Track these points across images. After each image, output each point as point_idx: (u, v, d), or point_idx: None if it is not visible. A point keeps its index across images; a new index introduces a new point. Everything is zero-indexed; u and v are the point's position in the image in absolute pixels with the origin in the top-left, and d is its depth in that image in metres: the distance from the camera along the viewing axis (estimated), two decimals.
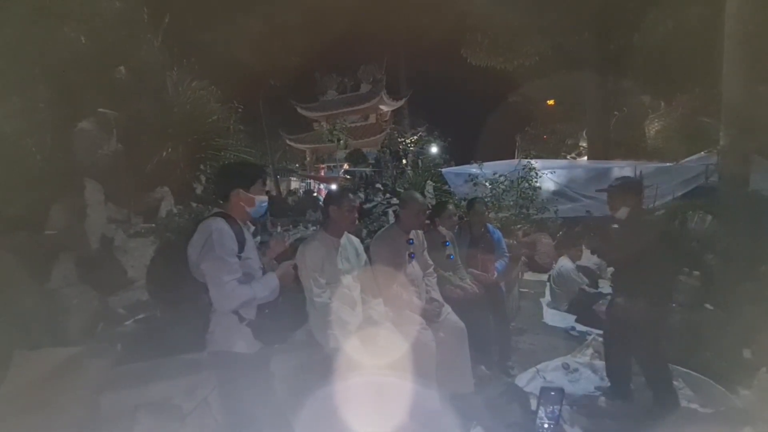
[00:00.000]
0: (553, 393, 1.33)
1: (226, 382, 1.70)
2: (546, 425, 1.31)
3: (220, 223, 1.60)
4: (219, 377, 1.73)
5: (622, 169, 6.44)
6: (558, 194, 6.29)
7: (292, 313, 2.35)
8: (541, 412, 1.31)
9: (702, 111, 9.40)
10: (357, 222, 2.53)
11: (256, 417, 1.62)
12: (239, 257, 1.59)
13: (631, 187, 2.49)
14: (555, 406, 1.32)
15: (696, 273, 2.28)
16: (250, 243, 1.71)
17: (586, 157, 12.10)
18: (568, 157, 13.63)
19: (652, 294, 2.29)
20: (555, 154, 13.56)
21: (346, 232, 2.39)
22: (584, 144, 13.60)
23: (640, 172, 3.79)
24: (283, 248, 1.91)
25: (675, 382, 2.74)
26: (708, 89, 8.70)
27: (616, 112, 12.05)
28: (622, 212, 2.43)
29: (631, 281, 2.42)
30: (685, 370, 2.82)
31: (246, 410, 1.62)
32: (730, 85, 3.67)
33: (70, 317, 2.62)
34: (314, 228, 5.51)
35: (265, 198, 1.77)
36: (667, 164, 6.17)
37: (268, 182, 1.73)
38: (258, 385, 1.65)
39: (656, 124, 11.33)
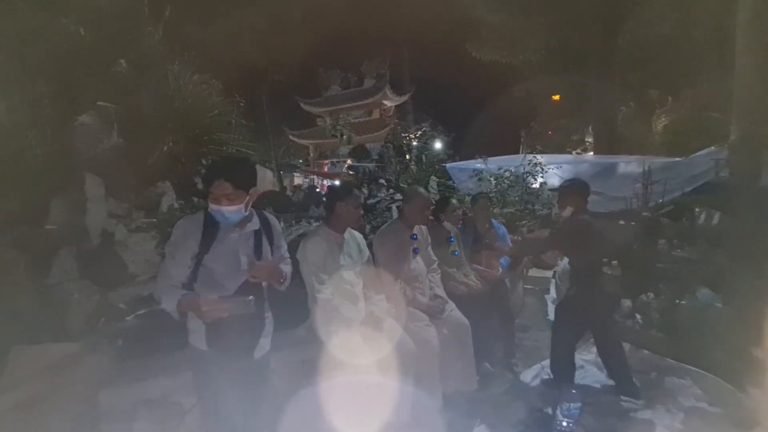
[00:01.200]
0: (574, 391, 1.29)
1: (193, 375, 1.67)
2: (564, 423, 1.27)
3: (187, 219, 1.59)
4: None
5: (628, 164, 6.33)
6: None
7: (290, 313, 2.32)
8: (559, 410, 1.27)
9: (711, 106, 9.25)
10: (361, 219, 2.48)
11: (223, 412, 1.57)
12: (197, 258, 1.51)
13: (577, 189, 2.67)
14: (574, 404, 1.27)
15: (614, 263, 2.40)
16: (224, 245, 1.55)
17: (592, 153, 11.97)
18: (574, 152, 13.49)
19: (585, 286, 2.53)
20: (560, 150, 13.42)
21: (348, 228, 2.35)
22: (590, 139, 13.45)
23: (649, 167, 3.72)
24: (271, 274, 1.62)
25: (683, 381, 2.70)
26: (717, 84, 8.55)
27: (622, 107, 11.89)
28: (567, 211, 2.60)
29: (576, 276, 2.68)
30: (693, 368, 2.77)
31: (213, 405, 1.58)
32: (742, 79, 3.57)
33: (71, 312, 2.61)
34: (317, 224, 5.48)
35: (216, 207, 1.50)
36: (676, 159, 6.07)
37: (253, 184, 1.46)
38: (220, 382, 1.56)
39: (663, 119, 11.18)
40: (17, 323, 2.20)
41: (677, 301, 3.30)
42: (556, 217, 2.71)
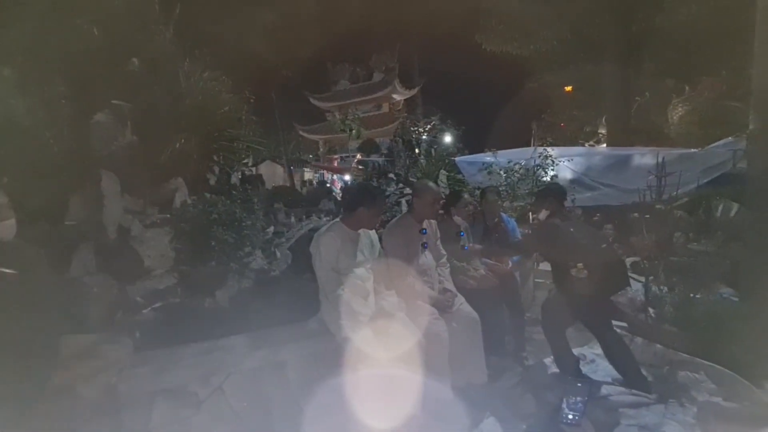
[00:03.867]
0: (579, 385, 1.29)
1: None
2: (570, 416, 1.27)
3: None
4: None
5: (642, 156, 6.21)
6: (575, 182, 6.11)
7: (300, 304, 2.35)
8: (565, 404, 1.27)
9: (729, 95, 8.98)
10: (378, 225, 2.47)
11: None
12: None
13: (551, 193, 2.79)
14: (579, 398, 1.27)
15: (579, 265, 2.51)
16: None
17: (605, 145, 11.75)
18: (587, 144, 13.24)
19: (561, 287, 2.67)
20: (572, 142, 13.20)
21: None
22: (603, 131, 13.20)
23: (663, 158, 3.65)
24: None
25: (697, 375, 2.66)
26: (735, 72, 8.28)
27: (637, 98, 11.61)
28: (543, 214, 2.73)
29: (553, 277, 2.82)
30: (707, 362, 2.73)
31: None
32: (761, 66, 3.47)
33: (90, 305, 2.69)
34: (327, 218, 5.53)
35: None
36: (692, 150, 5.94)
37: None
38: None
39: (680, 109, 10.89)
40: (40, 316, 2.28)
41: (692, 294, 3.25)
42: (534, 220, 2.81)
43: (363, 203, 2.23)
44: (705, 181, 5.04)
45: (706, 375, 2.65)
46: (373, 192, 2.42)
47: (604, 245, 2.75)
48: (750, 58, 3.58)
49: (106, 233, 3.19)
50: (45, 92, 3.03)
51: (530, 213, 3.02)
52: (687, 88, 11.09)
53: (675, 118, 10.82)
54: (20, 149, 2.71)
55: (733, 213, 4.39)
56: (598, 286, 2.49)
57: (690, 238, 4.36)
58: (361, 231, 2.34)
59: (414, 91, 24.96)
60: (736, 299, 3.30)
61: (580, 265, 2.49)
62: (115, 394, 1.91)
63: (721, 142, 5.80)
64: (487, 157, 6.04)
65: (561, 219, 2.68)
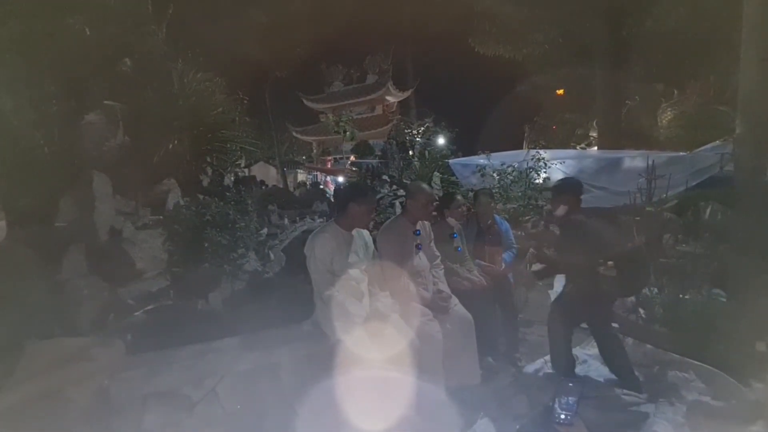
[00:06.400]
0: (571, 384, 1.31)
1: None
2: (563, 416, 1.29)
3: None
4: None
5: (632, 159, 6.30)
6: None
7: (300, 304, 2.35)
8: (557, 403, 1.29)
9: (717, 99, 9.16)
10: (371, 221, 2.46)
11: None
12: None
13: (568, 188, 2.68)
14: (571, 398, 1.29)
15: (610, 263, 2.45)
16: None
17: (596, 147, 11.90)
18: (578, 147, 13.40)
19: (581, 285, 2.53)
20: (564, 145, 13.36)
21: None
22: (594, 134, 13.37)
23: (652, 161, 3.72)
24: None
25: (686, 375, 2.71)
26: (723, 76, 8.47)
27: (627, 101, 11.79)
28: (561, 210, 2.61)
29: (570, 275, 2.70)
30: (696, 362, 2.78)
31: None
32: (747, 72, 3.55)
33: (81, 308, 2.66)
34: (321, 220, 5.52)
35: None
36: (681, 153, 6.05)
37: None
38: None
39: (669, 112, 11.07)
40: (30, 319, 2.25)
41: (681, 295, 3.30)
42: (548, 215, 2.72)
43: (353, 199, 2.24)
44: (693, 183, 5.14)
45: (696, 374, 2.69)
46: (362, 188, 2.42)
47: (630, 243, 2.69)
48: (737, 63, 3.66)
49: (97, 235, 3.16)
50: (36, 92, 3.00)
51: (544, 208, 2.92)
52: (676, 92, 11.30)
53: (664, 121, 11.01)
54: (10, 150, 2.68)
55: (720, 215, 4.48)
56: (625, 284, 2.42)
57: (679, 239, 4.42)
58: (355, 232, 2.35)
59: (408, 93, 25.02)
60: (723, 299, 3.36)
61: (610, 262, 2.39)
62: (107, 398, 1.89)
63: (709, 145, 5.92)
64: (481, 159, 6.09)
65: (581, 214, 2.56)
